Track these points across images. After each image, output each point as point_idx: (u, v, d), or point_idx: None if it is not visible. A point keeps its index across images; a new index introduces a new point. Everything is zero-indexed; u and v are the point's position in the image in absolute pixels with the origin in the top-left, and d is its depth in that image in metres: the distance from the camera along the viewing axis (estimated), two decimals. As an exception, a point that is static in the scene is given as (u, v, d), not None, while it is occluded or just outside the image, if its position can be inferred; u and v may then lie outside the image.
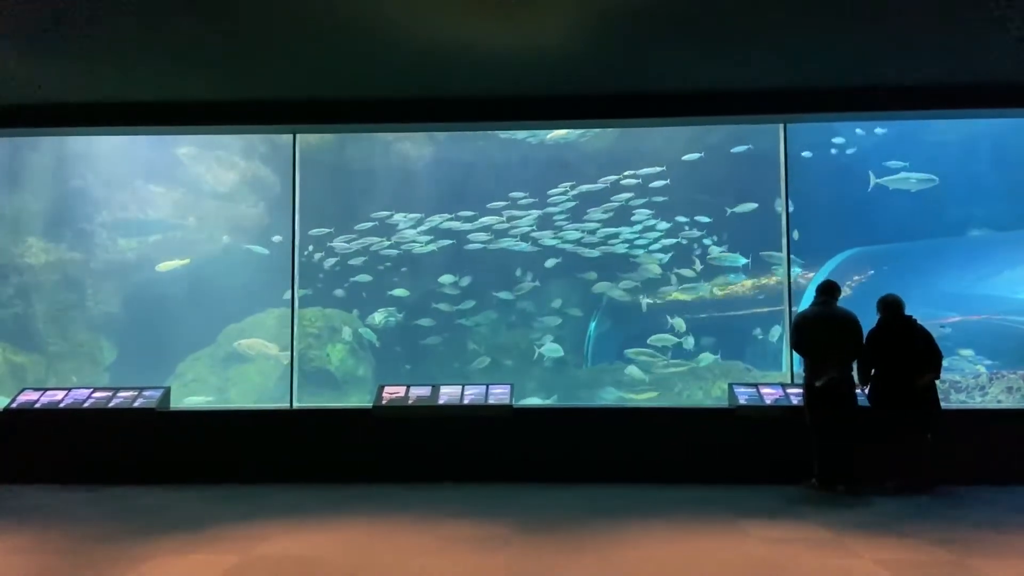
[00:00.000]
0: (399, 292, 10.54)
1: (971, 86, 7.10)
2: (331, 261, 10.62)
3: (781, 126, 7.77)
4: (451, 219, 10.52)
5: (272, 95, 7.36)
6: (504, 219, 10.38)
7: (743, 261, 9.79)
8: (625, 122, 8.07)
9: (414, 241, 10.62)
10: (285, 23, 5.75)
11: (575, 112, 7.54)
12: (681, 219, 10.08)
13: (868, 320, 6.69)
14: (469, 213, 10.46)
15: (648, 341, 9.91)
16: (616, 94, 7.36)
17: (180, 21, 5.69)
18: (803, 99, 7.30)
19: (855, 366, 6.62)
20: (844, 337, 6.50)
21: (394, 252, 10.64)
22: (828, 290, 6.74)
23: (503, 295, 10.47)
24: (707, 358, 9.84)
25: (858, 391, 6.68)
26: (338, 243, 10.54)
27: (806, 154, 7.54)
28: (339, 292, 10.68)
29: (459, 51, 6.33)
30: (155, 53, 6.32)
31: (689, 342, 9.77)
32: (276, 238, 10.25)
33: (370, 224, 10.56)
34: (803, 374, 6.76)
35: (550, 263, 10.37)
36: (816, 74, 6.87)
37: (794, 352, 6.95)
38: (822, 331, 6.55)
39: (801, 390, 7.05)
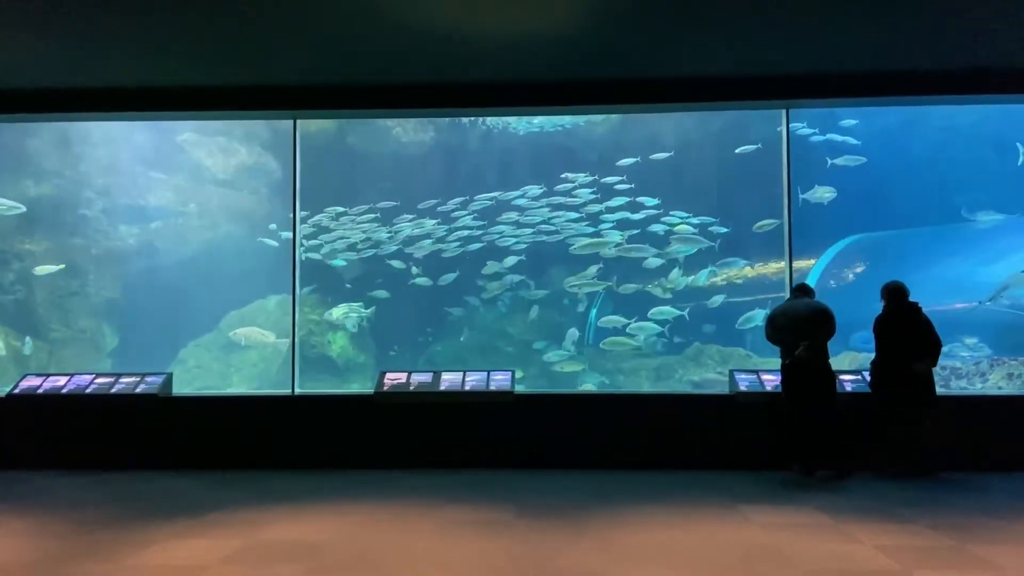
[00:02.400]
0: (413, 281, 10.51)
1: (975, 71, 7.05)
2: (333, 248, 10.60)
3: (784, 111, 7.73)
4: (452, 208, 10.50)
5: (272, 80, 7.32)
6: (506, 203, 10.37)
7: (743, 262, 9.76)
8: (627, 108, 8.02)
9: (416, 229, 10.60)
10: (286, 8, 5.71)
11: (576, 98, 7.49)
12: (682, 207, 10.05)
13: (873, 308, 6.68)
14: (469, 201, 10.43)
15: (599, 323, 9.90)
16: (618, 80, 7.32)
17: (180, 6, 5.65)
18: (806, 84, 7.26)
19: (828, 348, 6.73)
20: (813, 319, 6.61)
21: (396, 240, 10.61)
22: (802, 288, 6.99)
23: (505, 283, 10.45)
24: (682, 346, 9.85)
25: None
26: (340, 230, 10.51)
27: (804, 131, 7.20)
28: (341, 279, 10.66)
29: (461, 36, 6.28)
30: (155, 38, 6.28)
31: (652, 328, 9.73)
32: (272, 226, 10.23)
33: (371, 212, 10.52)
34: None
35: (552, 251, 10.34)
36: (819, 59, 6.82)
37: (771, 344, 6.99)
38: (791, 316, 6.71)
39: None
